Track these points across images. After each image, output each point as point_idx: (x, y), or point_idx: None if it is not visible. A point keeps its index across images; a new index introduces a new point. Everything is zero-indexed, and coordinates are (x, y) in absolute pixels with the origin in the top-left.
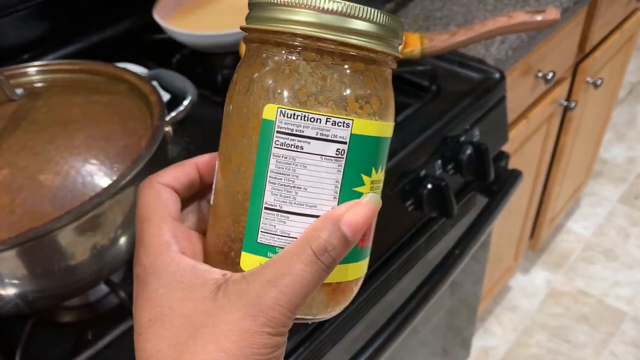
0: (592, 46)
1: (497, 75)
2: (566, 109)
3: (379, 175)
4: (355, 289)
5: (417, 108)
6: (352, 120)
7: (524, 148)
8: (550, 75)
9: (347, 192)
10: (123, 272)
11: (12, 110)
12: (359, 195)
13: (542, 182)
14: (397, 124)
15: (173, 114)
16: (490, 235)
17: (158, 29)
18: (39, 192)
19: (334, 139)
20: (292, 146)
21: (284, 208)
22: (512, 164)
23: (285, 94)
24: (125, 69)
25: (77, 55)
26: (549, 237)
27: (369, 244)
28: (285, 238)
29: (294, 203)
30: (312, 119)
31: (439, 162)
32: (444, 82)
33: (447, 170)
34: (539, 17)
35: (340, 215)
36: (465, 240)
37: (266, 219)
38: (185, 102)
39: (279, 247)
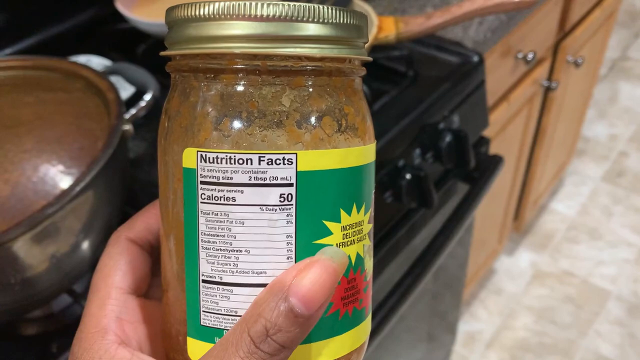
0: (572, 24)
1: (475, 59)
2: (547, 90)
3: (358, 216)
4: None
5: (394, 95)
6: (296, 153)
7: (505, 131)
8: (530, 55)
9: (307, 248)
10: (87, 281)
11: None
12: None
13: (525, 164)
14: (374, 112)
15: (133, 111)
16: (473, 219)
17: (121, 18)
18: None
19: (274, 182)
20: (222, 198)
21: (225, 279)
22: (493, 148)
23: (205, 131)
24: (81, 65)
25: (35, 49)
26: (533, 218)
27: (358, 305)
28: (233, 317)
29: (236, 271)
30: (241, 161)
31: (418, 150)
32: (421, 67)
33: (426, 159)
34: None
35: (287, 284)
36: (447, 229)
37: (206, 294)
38: (147, 97)
39: (227, 330)
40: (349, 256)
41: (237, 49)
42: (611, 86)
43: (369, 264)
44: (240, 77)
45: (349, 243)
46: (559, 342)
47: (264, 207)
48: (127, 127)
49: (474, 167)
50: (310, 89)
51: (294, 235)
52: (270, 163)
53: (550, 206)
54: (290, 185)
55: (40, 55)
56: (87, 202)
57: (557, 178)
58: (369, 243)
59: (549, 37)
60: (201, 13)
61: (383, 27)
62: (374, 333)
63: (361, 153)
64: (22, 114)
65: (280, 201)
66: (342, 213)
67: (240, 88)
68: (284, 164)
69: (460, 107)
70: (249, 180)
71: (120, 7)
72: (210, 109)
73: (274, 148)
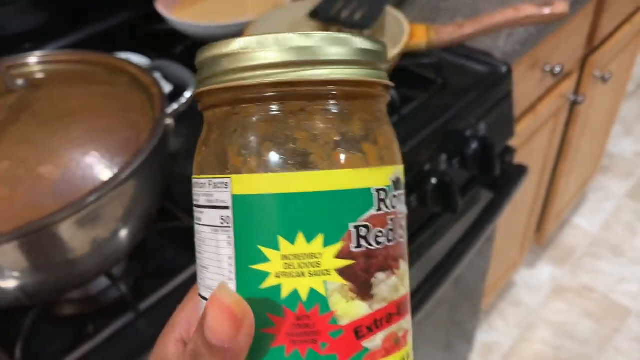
0: (601, 39)
1: (504, 69)
2: (574, 103)
3: (309, 247)
4: None
5: (423, 101)
6: (230, 178)
7: (530, 142)
8: (557, 68)
9: (244, 271)
10: (124, 266)
11: (12, 101)
12: (262, 275)
13: (549, 177)
14: (403, 117)
15: (175, 106)
16: (494, 229)
17: (160, 19)
18: (39, 185)
19: (217, 204)
20: (196, 219)
21: (201, 293)
22: (518, 158)
23: (195, 161)
24: (126, 60)
25: (78, 45)
26: (554, 231)
27: (317, 349)
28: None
29: (203, 286)
30: (199, 185)
31: (444, 156)
32: (450, 75)
33: (452, 164)
34: (547, 11)
35: (204, 314)
36: (470, 235)
37: (201, 307)
38: (187, 94)
39: None
40: (296, 290)
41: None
42: (639, 103)
43: (343, 306)
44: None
45: (294, 275)
46: (577, 357)
47: (213, 228)
48: (169, 121)
49: (498, 175)
50: (252, 118)
51: (233, 257)
52: (215, 186)
53: (573, 221)
54: (227, 208)
55: (86, 51)
56: (130, 191)
57: (581, 193)
58: (339, 282)
59: (577, 51)
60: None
61: (415, 34)
62: None
63: (322, 178)
64: (72, 105)
65: (221, 223)
66: (281, 240)
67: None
68: (222, 187)
69: (487, 115)
70: (206, 202)
71: (161, 8)
72: (202, 140)
73: (217, 172)
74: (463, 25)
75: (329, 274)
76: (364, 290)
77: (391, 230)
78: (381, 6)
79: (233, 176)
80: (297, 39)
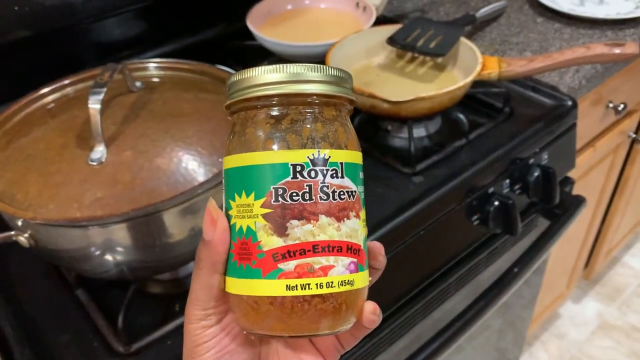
0: None
1: (569, 103)
2: (634, 141)
3: (247, 200)
4: (268, 314)
5: (489, 128)
6: (223, 158)
7: (588, 176)
8: (621, 106)
9: (226, 215)
10: None
11: (132, 101)
12: (229, 217)
13: (603, 212)
14: (470, 141)
15: None
16: (546, 260)
17: (249, 35)
18: (156, 174)
19: (221, 175)
20: None
21: None
22: (575, 190)
23: None
24: (229, 72)
25: (172, 55)
26: (604, 268)
27: (251, 264)
28: None
29: None
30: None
31: (507, 181)
32: (516, 105)
33: (514, 190)
34: (617, 50)
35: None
36: (525, 259)
37: None
38: None
39: None
40: (241, 227)
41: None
42: None
43: (265, 238)
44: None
45: (240, 217)
46: None
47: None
48: None
49: (557, 204)
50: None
51: (222, 206)
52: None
53: (623, 259)
54: (223, 177)
55: (195, 61)
56: None
57: (634, 232)
58: (262, 222)
59: None
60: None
61: (486, 65)
62: (433, 353)
63: (256, 156)
64: (184, 107)
65: (222, 186)
66: (236, 196)
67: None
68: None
69: (550, 146)
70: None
71: (250, 25)
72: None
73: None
74: (534, 59)
75: (257, 217)
76: (279, 229)
77: (307, 192)
78: (456, 36)
79: (224, 157)
80: (292, 67)
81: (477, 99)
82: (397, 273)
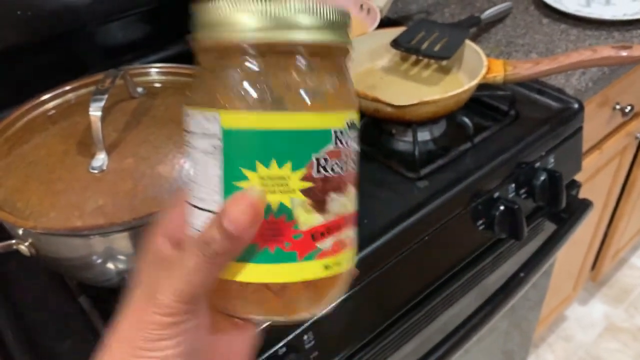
0: None
1: (575, 106)
2: None
3: (280, 172)
4: (297, 298)
5: (495, 131)
6: (219, 113)
7: (595, 178)
8: (628, 108)
9: (229, 187)
10: None
11: (133, 107)
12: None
13: (610, 214)
14: (475, 145)
15: None
16: (552, 262)
17: None
18: (158, 181)
19: (209, 133)
20: (188, 143)
21: (191, 202)
22: (581, 193)
23: (187, 94)
24: None
25: (175, 58)
26: (611, 270)
27: (283, 247)
28: (193, 229)
29: (194, 197)
30: (192, 115)
31: (513, 185)
32: (522, 108)
33: (519, 194)
34: (624, 53)
35: (223, 213)
36: (531, 263)
37: (187, 211)
38: None
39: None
40: (269, 203)
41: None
42: None
43: (303, 216)
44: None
45: (268, 192)
46: None
47: (204, 152)
48: None
49: (563, 208)
50: (242, 66)
51: (221, 176)
52: (206, 119)
53: (631, 261)
54: (217, 137)
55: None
56: None
57: None
58: (301, 198)
59: None
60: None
61: (492, 68)
62: (440, 359)
63: (292, 119)
64: None
65: (212, 149)
66: (259, 165)
67: (199, 67)
68: (213, 120)
69: (557, 149)
70: (198, 130)
71: None
72: (194, 80)
73: (208, 107)
74: (540, 62)
75: (294, 192)
76: (320, 205)
77: (345, 162)
78: (461, 39)
79: (222, 111)
80: (277, 7)
81: (483, 101)
82: (402, 278)
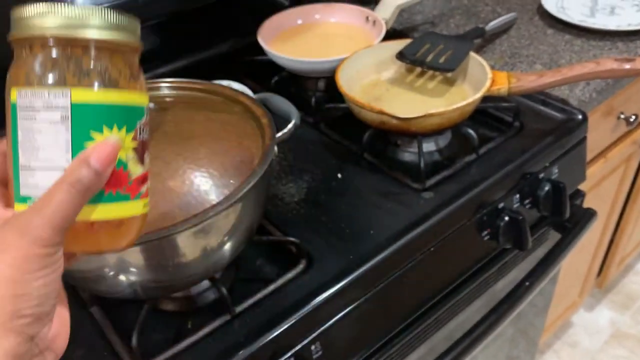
0: None
1: (579, 117)
2: None
3: (119, 134)
4: (128, 231)
5: (499, 142)
6: (70, 90)
7: (599, 186)
8: (632, 117)
9: (79, 146)
10: (226, 273)
11: None
12: None
13: (615, 221)
14: (480, 156)
15: (279, 134)
16: (559, 269)
17: (260, 51)
18: (169, 197)
19: (58, 106)
20: (29, 117)
21: (31, 165)
22: (586, 202)
23: (21, 79)
24: (240, 92)
25: (183, 70)
26: (617, 276)
27: (122, 190)
28: (35, 189)
29: (37, 160)
30: (34, 94)
31: (517, 196)
32: (526, 119)
33: (524, 204)
34: (627, 66)
35: (88, 153)
36: (536, 273)
37: (23, 176)
38: (290, 125)
39: (34, 196)
40: None
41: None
42: None
43: (134, 168)
44: (43, 51)
45: None
46: None
47: (53, 122)
48: (274, 148)
49: (567, 217)
50: (85, 56)
51: (70, 139)
52: (56, 96)
53: (637, 267)
54: (67, 108)
55: (206, 81)
56: (240, 208)
57: None
58: (132, 154)
59: None
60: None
61: (496, 81)
62: None
63: (123, 94)
64: (195, 128)
65: (61, 119)
66: (105, 128)
67: (43, 56)
68: (63, 97)
69: (561, 160)
70: (44, 106)
71: (261, 40)
72: (27, 67)
73: (58, 87)
74: (544, 74)
75: (128, 150)
76: (142, 160)
77: (149, 130)
78: (465, 51)
79: (73, 90)
80: (72, 10)
81: (487, 112)
82: (408, 288)
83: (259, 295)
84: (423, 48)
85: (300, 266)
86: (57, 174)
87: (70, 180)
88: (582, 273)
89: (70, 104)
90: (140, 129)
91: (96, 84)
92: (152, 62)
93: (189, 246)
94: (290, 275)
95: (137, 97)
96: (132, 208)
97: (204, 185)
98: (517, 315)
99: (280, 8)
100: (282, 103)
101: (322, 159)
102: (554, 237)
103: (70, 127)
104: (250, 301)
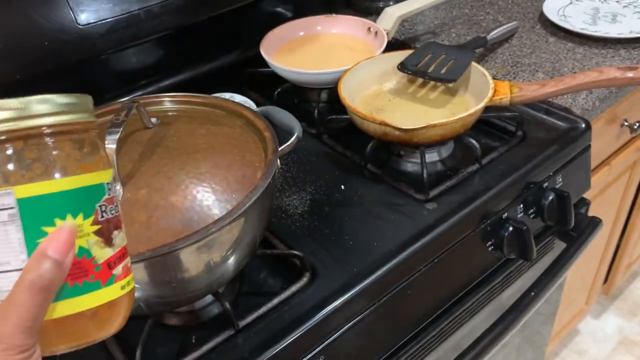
0: None
1: (583, 125)
2: None
3: (75, 222)
4: (110, 317)
5: (502, 152)
6: (13, 188)
7: (604, 194)
8: (636, 124)
9: (33, 244)
10: (230, 286)
11: (147, 137)
12: None
13: (621, 228)
14: (483, 166)
15: (281, 147)
16: (565, 278)
17: (262, 63)
18: (171, 212)
19: (3, 206)
20: None
21: None
22: (592, 209)
23: None
24: (242, 105)
25: (187, 83)
26: (624, 283)
27: (89, 279)
28: None
29: None
30: None
31: (521, 206)
32: (529, 129)
33: (528, 214)
34: (630, 74)
35: (44, 246)
36: (542, 282)
37: None
38: (292, 139)
39: None
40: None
41: None
42: None
43: (100, 253)
44: None
45: None
46: None
47: (1, 223)
48: (277, 162)
49: (572, 226)
50: (26, 148)
51: (22, 238)
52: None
53: None
54: (12, 207)
55: (208, 95)
56: (243, 222)
57: None
58: (95, 239)
59: None
60: None
61: (498, 91)
62: None
63: (74, 181)
64: (197, 142)
65: (9, 218)
66: (57, 221)
67: None
68: (6, 195)
69: (565, 168)
70: None
71: (264, 52)
72: None
73: (1, 187)
74: (546, 84)
75: (89, 235)
76: (109, 241)
77: (116, 206)
78: (467, 61)
79: (17, 187)
80: (15, 102)
81: (490, 122)
82: (413, 299)
83: (263, 309)
84: (425, 58)
85: (304, 279)
86: (15, 275)
87: (31, 278)
88: (588, 280)
89: (16, 200)
90: (101, 209)
91: (40, 175)
92: (155, 75)
93: (192, 262)
94: (294, 288)
95: (91, 178)
96: (105, 295)
97: (207, 200)
98: (523, 324)
99: (282, 20)
100: (284, 116)
101: (325, 171)
102: (559, 246)
103: (20, 225)
104: (254, 315)
